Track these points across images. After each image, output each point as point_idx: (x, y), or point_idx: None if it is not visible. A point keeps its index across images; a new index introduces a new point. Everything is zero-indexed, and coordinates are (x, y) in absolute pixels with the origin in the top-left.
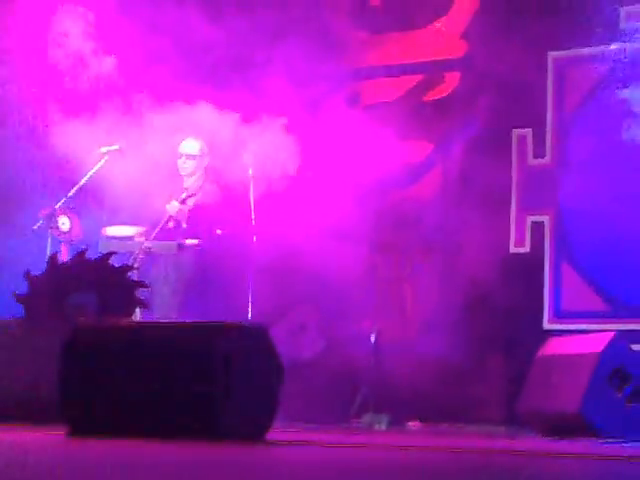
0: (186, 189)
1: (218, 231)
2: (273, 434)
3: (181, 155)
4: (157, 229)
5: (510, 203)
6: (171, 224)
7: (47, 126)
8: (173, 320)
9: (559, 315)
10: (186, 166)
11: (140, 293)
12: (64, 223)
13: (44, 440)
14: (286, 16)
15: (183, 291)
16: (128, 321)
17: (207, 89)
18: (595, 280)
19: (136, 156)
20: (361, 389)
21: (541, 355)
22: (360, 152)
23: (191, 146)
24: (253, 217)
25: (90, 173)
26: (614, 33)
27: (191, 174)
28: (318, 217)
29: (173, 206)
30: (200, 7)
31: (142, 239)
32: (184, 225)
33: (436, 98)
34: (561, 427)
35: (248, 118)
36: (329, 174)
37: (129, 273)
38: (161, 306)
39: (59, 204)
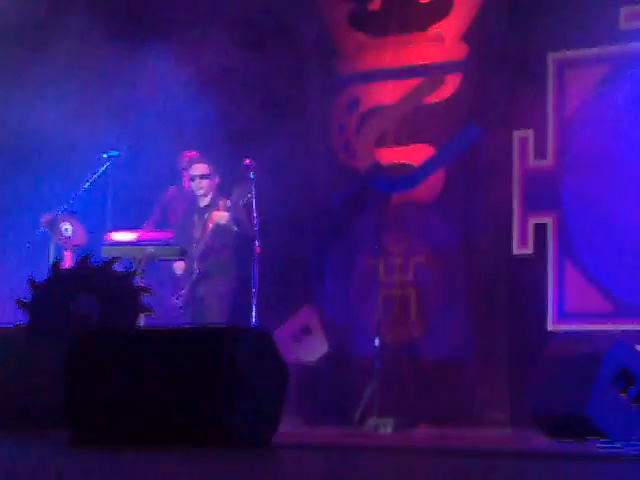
0: (206, 207)
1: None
2: (278, 438)
3: (194, 177)
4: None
5: (512, 205)
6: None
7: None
8: (177, 325)
9: (563, 316)
10: (201, 186)
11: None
12: (67, 229)
13: (48, 448)
14: (284, 20)
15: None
16: (132, 327)
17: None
18: (599, 281)
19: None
20: (366, 392)
21: (546, 356)
22: (362, 155)
23: (201, 167)
24: (255, 222)
25: (92, 178)
26: (613, 34)
27: (206, 193)
28: (320, 221)
29: (221, 216)
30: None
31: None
32: (234, 228)
33: (437, 101)
34: (566, 429)
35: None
36: (331, 177)
37: (133, 278)
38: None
39: (61, 210)
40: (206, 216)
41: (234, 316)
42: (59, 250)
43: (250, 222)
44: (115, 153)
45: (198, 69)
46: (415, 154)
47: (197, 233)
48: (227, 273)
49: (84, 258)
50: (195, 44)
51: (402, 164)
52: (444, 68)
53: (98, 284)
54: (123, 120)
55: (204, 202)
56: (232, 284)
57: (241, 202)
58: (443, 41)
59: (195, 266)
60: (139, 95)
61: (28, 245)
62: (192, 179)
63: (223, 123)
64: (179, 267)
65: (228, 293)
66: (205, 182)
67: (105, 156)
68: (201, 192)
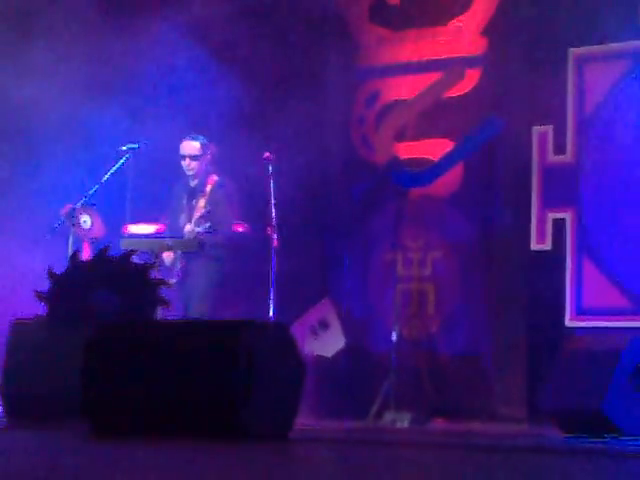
0: (193, 188)
1: (240, 228)
2: (294, 432)
3: (184, 157)
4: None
5: (531, 200)
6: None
7: None
8: (195, 318)
9: (581, 312)
10: (191, 167)
11: (165, 293)
12: (85, 221)
13: (67, 439)
14: (303, 12)
15: (207, 289)
16: (150, 319)
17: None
18: (617, 277)
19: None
20: (383, 387)
21: (563, 352)
22: (381, 149)
23: (191, 147)
24: (273, 215)
25: (111, 171)
26: (634, 30)
27: (195, 175)
28: (339, 214)
29: (188, 230)
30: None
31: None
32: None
33: (456, 95)
34: (583, 425)
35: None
36: (349, 171)
37: (151, 271)
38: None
39: (80, 202)
40: (194, 202)
41: (217, 311)
42: (78, 242)
43: (229, 224)
44: (134, 145)
45: (209, 53)
46: (434, 149)
47: (182, 219)
48: (208, 270)
49: (102, 250)
50: (204, 29)
51: (421, 158)
52: (464, 62)
53: (116, 276)
54: (137, 108)
55: (193, 183)
56: (214, 280)
57: (202, 229)
58: (463, 35)
59: (178, 262)
60: (149, 79)
61: (47, 237)
62: (182, 157)
63: (239, 114)
64: (167, 257)
65: (209, 290)
66: (195, 164)
67: (124, 148)
68: (190, 173)
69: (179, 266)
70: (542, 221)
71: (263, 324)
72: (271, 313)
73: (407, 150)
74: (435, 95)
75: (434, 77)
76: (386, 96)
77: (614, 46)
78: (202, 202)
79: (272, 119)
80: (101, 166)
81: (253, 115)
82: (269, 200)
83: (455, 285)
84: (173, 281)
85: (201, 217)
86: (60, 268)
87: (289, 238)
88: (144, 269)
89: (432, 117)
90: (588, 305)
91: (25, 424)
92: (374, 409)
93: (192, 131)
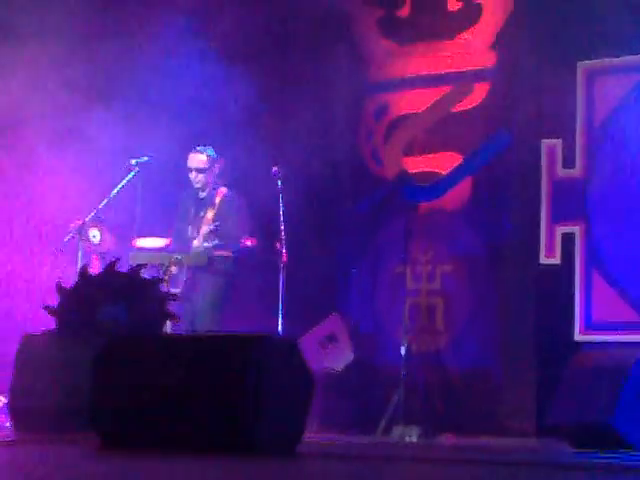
0: (202, 199)
1: (248, 242)
2: (302, 446)
3: (191, 169)
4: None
5: (540, 214)
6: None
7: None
8: (203, 332)
9: (590, 326)
10: (198, 180)
11: (170, 305)
12: (95, 235)
13: (75, 453)
14: (313, 27)
15: (213, 302)
16: (159, 333)
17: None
18: (626, 291)
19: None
20: (391, 401)
21: (572, 367)
22: (389, 163)
23: (198, 159)
24: (282, 229)
25: (120, 185)
26: None
27: (203, 188)
28: (347, 228)
29: (196, 246)
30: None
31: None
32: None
33: (465, 109)
34: (592, 439)
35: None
36: (358, 185)
37: (160, 285)
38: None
39: (89, 216)
40: (202, 213)
41: (225, 325)
42: (87, 256)
43: (237, 237)
44: (144, 159)
45: (217, 65)
46: (443, 162)
47: (190, 231)
48: (216, 284)
49: (111, 264)
50: (213, 40)
51: (429, 172)
52: (472, 76)
53: (125, 290)
54: (143, 119)
55: (202, 194)
56: (223, 294)
57: (210, 228)
58: (472, 49)
59: (184, 274)
60: (155, 90)
61: (56, 251)
62: (189, 170)
63: (247, 127)
64: (173, 268)
65: (217, 303)
66: (202, 176)
67: (134, 162)
68: (198, 185)
69: (184, 278)
70: (551, 235)
71: (272, 338)
72: (280, 327)
73: (416, 164)
74: (444, 109)
75: (443, 91)
76: (395, 110)
77: (623, 60)
78: (210, 214)
79: (280, 133)
80: (107, 178)
81: (261, 128)
82: (278, 214)
83: (464, 299)
84: (177, 291)
85: (210, 232)
86: (69, 282)
87: (298, 252)
88: (153, 283)
89: (441, 131)
90: (597, 319)
91: (33, 438)
92: (382, 423)
93: (199, 142)
